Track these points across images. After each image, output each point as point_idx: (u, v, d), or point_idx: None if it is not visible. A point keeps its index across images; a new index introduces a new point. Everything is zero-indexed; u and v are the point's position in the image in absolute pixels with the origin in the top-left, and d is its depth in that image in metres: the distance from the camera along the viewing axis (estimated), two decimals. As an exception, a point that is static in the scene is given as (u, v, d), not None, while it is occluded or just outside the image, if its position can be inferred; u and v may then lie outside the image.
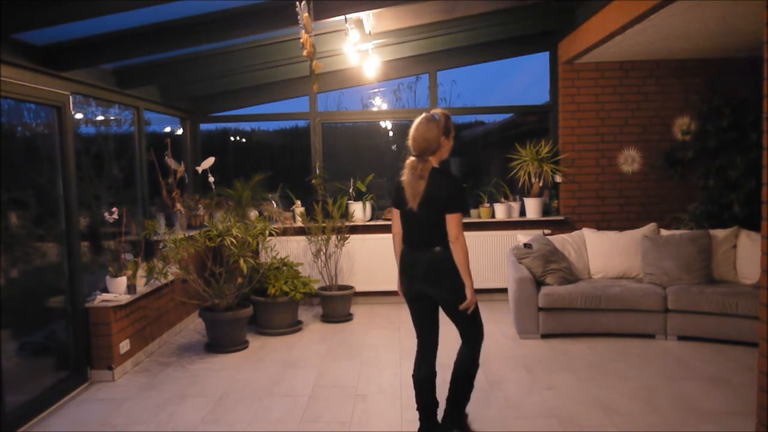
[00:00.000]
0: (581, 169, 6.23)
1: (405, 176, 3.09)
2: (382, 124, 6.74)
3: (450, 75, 6.51)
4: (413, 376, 3.20)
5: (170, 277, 4.70)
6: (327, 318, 5.71)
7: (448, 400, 3.23)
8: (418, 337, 3.23)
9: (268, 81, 5.88)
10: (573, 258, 5.39)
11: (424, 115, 3.08)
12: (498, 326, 5.31)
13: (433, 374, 3.18)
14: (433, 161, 3.07)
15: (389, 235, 6.24)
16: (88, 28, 3.59)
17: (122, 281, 4.36)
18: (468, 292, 3.00)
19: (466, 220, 5.96)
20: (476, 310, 3.11)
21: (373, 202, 6.38)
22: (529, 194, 6.24)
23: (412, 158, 3.10)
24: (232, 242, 4.79)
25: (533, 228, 6.18)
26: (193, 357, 4.70)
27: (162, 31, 3.87)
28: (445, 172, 3.12)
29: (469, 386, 3.22)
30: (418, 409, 3.19)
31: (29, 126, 3.98)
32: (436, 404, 3.20)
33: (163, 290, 4.99)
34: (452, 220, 2.97)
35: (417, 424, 3.24)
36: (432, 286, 3.04)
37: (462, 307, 3.01)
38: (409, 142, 3.10)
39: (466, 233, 3.09)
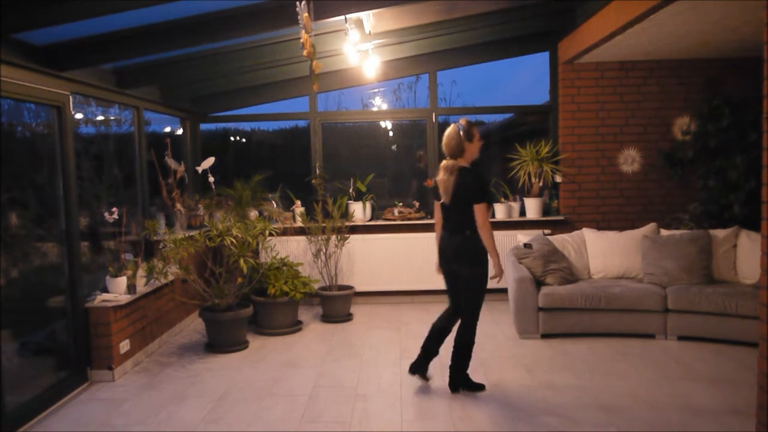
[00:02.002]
0: (581, 169, 6.23)
1: (439, 175, 3.74)
2: (382, 124, 6.74)
3: (450, 75, 6.51)
4: (433, 324, 3.95)
5: (170, 277, 4.70)
6: (327, 318, 5.71)
7: (451, 367, 3.87)
8: (449, 300, 3.97)
9: (268, 81, 5.88)
10: (573, 258, 5.39)
11: (453, 124, 3.74)
12: (498, 326, 5.31)
13: (446, 329, 3.91)
14: (462, 162, 3.69)
15: (389, 235, 6.39)
16: (88, 28, 3.59)
17: (122, 281, 4.36)
18: (495, 267, 3.69)
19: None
20: (479, 295, 3.75)
21: (373, 202, 6.38)
22: (529, 194, 6.24)
23: (445, 160, 3.75)
24: (232, 242, 4.79)
25: (533, 228, 6.18)
26: (193, 357, 4.70)
27: (162, 31, 3.87)
28: (470, 169, 3.70)
29: (465, 355, 3.83)
30: (421, 348, 3.93)
31: (29, 126, 3.98)
32: (435, 352, 3.95)
33: (163, 290, 4.99)
34: (477, 210, 3.61)
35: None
36: (457, 264, 3.74)
37: (492, 277, 3.72)
38: (443, 148, 3.78)
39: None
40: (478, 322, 3.84)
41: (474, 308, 3.78)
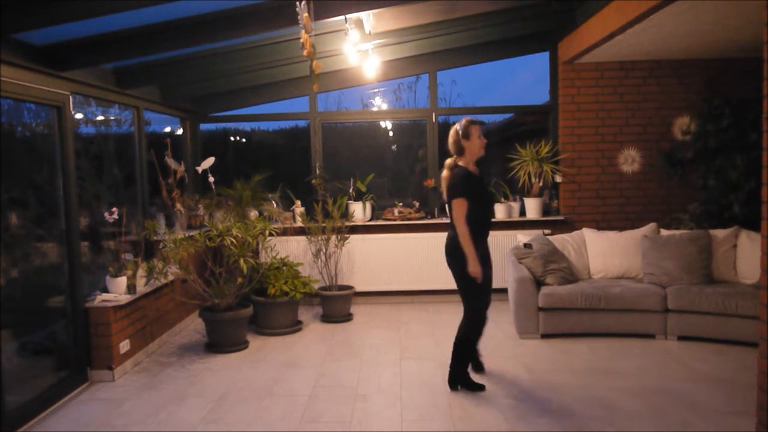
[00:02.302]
0: (581, 169, 6.23)
1: (443, 173, 3.88)
2: (382, 124, 6.74)
3: (450, 75, 6.51)
4: None
5: (170, 277, 4.70)
6: (327, 318, 5.71)
7: (450, 365, 3.89)
8: None
9: (268, 81, 5.88)
10: (573, 258, 5.39)
11: (456, 123, 3.84)
12: (498, 326, 5.31)
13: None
14: (462, 161, 3.78)
15: (389, 235, 6.40)
16: (88, 28, 3.59)
17: (122, 281, 4.36)
18: (468, 266, 3.62)
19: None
20: (474, 294, 3.74)
21: (373, 202, 6.38)
22: (529, 194, 6.23)
23: (448, 159, 3.87)
24: (232, 242, 4.79)
25: (533, 228, 6.18)
26: (193, 357, 4.70)
27: (162, 31, 3.87)
28: (459, 167, 3.77)
29: (462, 352, 3.84)
30: None
31: (29, 126, 3.98)
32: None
33: (163, 290, 4.99)
34: (453, 205, 3.66)
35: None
36: (449, 260, 3.79)
37: (470, 275, 3.64)
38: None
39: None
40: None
41: (471, 306, 3.79)
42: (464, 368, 3.88)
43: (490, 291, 3.93)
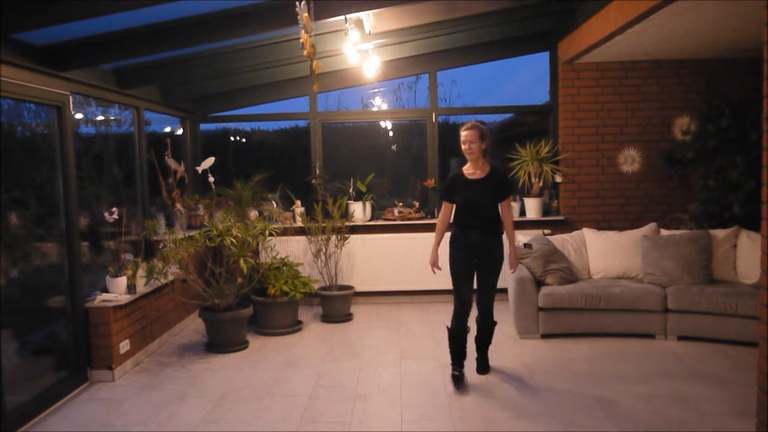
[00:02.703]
0: (581, 169, 6.23)
1: None
2: (382, 124, 6.74)
3: (450, 75, 6.51)
4: None
5: (170, 277, 4.71)
6: (327, 318, 5.71)
7: None
8: None
9: (268, 81, 5.88)
10: (573, 258, 5.39)
11: None
12: (498, 326, 5.27)
13: (478, 323, 4.16)
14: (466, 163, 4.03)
15: (389, 235, 6.41)
16: (88, 28, 3.59)
17: (122, 281, 4.36)
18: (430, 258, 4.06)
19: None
20: (452, 283, 3.96)
21: (373, 202, 6.38)
22: (529, 194, 6.23)
23: None
24: (232, 242, 4.79)
25: (533, 228, 6.18)
26: (193, 357, 4.70)
27: (162, 31, 3.87)
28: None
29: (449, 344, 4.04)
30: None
31: (29, 126, 3.98)
32: (476, 350, 4.23)
33: (163, 290, 4.99)
34: None
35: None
36: None
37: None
38: None
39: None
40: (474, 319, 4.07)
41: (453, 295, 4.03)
42: (452, 356, 4.00)
43: (481, 285, 4.01)
